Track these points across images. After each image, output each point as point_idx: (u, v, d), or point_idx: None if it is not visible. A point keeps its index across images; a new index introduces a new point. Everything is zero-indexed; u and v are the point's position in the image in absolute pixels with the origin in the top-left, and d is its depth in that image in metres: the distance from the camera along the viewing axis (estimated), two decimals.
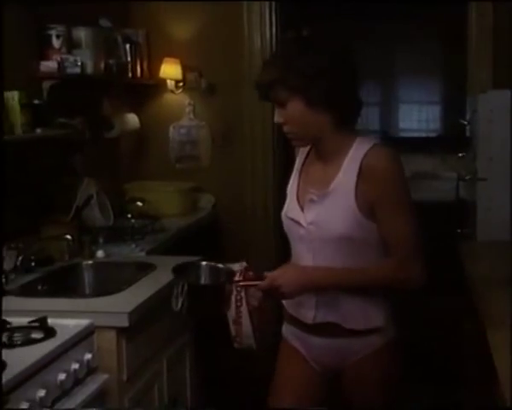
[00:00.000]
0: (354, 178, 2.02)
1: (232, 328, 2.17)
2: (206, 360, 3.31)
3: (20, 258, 2.91)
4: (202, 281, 2.19)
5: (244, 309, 2.13)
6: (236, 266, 2.14)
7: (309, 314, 2.14)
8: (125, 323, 2.40)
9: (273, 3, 4.27)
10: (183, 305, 2.08)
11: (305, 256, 2.14)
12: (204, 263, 2.22)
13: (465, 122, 4.04)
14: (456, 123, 7.79)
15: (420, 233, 2.06)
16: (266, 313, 2.18)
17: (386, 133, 7.97)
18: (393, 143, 7.67)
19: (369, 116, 8.07)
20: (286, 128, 2.10)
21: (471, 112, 3.93)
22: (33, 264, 2.98)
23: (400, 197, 2.04)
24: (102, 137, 3.98)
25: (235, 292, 2.12)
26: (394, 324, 2.17)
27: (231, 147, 4.40)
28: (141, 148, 4.53)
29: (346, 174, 2.04)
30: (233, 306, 2.14)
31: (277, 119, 2.09)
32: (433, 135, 7.99)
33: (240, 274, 2.10)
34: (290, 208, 2.17)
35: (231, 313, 2.15)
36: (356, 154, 2.03)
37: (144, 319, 2.54)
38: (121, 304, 2.46)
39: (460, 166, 7.35)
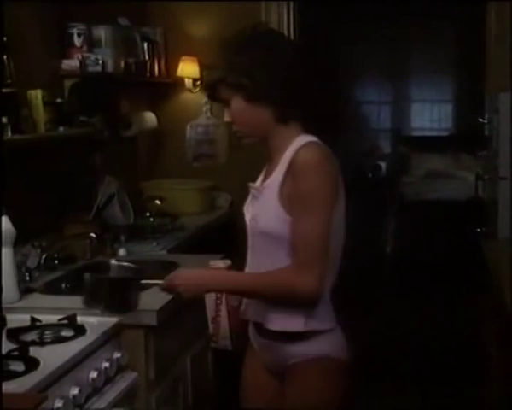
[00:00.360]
0: (282, 175, 2.02)
1: (210, 326, 2.18)
2: (228, 357, 3.31)
3: (44, 256, 2.92)
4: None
5: (223, 308, 2.14)
6: (220, 264, 2.16)
7: (244, 310, 2.15)
8: (153, 321, 2.40)
9: (291, 3, 4.27)
10: (97, 302, 2.12)
11: (248, 251, 2.15)
12: (114, 262, 2.25)
13: (485, 121, 4.02)
14: (469, 122, 7.82)
15: (323, 242, 1.97)
16: None
17: (398, 132, 7.98)
18: (405, 141, 7.71)
19: (381, 115, 8.10)
20: (234, 127, 2.11)
21: (490, 110, 3.92)
22: (56, 262, 2.99)
23: (312, 198, 1.97)
24: (120, 136, 3.99)
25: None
26: (338, 343, 2.09)
27: (248, 146, 4.39)
28: (158, 146, 4.53)
29: (278, 171, 2.04)
30: (213, 303, 2.15)
31: (226, 118, 2.11)
32: (445, 134, 7.99)
33: None
34: (245, 203, 2.21)
35: (211, 311, 2.16)
36: (290, 151, 2.03)
37: (170, 317, 2.54)
38: (149, 302, 2.45)
39: (474, 165, 7.35)
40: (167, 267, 2.93)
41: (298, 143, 2.02)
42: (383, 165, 7.94)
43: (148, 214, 3.78)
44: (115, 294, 2.15)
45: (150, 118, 4.31)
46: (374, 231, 6.66)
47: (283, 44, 2.08)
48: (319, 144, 2.03)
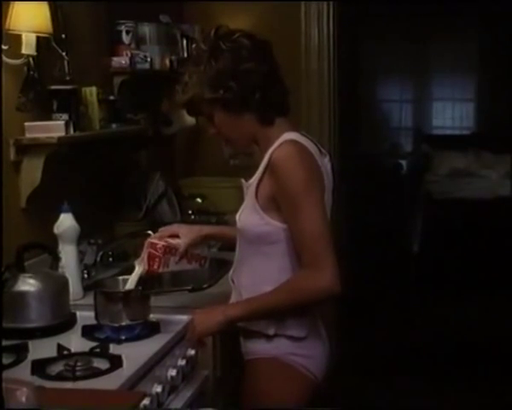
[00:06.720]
0: (261, 174, 2.04)
1: None
2: None
3: (100, 254, 2.92)
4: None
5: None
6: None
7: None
8: None
9: (330, 3, 4.24)
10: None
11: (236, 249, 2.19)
12: (120, 278, 2.28)
13: None
14: (490, 120, 7.80)
15: (326, 235, 1.96)
16: None
17: (419, 131, 7.97)
18: (427, 140, 7.70)
19: (403, 113, 8.09)
20: (221, 138, 2.15)
21: None
22: (111, 259, 3.00)
23: (299, 196, 1.97)
24: (161, 134, 3.98)
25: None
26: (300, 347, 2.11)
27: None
28: (195, 144, 4.52)
29: (259, 171, 2.07)
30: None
31: (211, 131, 2.14)
32: (466, 132, 7.99)
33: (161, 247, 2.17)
34: None
35: None
36: (270, 151, 2.04)
37: None
38: (218, 299, 2.45)
39: (495, 164, 7.34)
40: (223, 265, 2.93)
41: (277, 143, 2.02)
42: (404, 163, 7.93)
43: (190, 212, 3.78)
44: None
45: (189, 116, 4.28)
46: (399, 229, 6.65)
47: (247, 47, 2.06)
48: (294, 142, 2.02)
